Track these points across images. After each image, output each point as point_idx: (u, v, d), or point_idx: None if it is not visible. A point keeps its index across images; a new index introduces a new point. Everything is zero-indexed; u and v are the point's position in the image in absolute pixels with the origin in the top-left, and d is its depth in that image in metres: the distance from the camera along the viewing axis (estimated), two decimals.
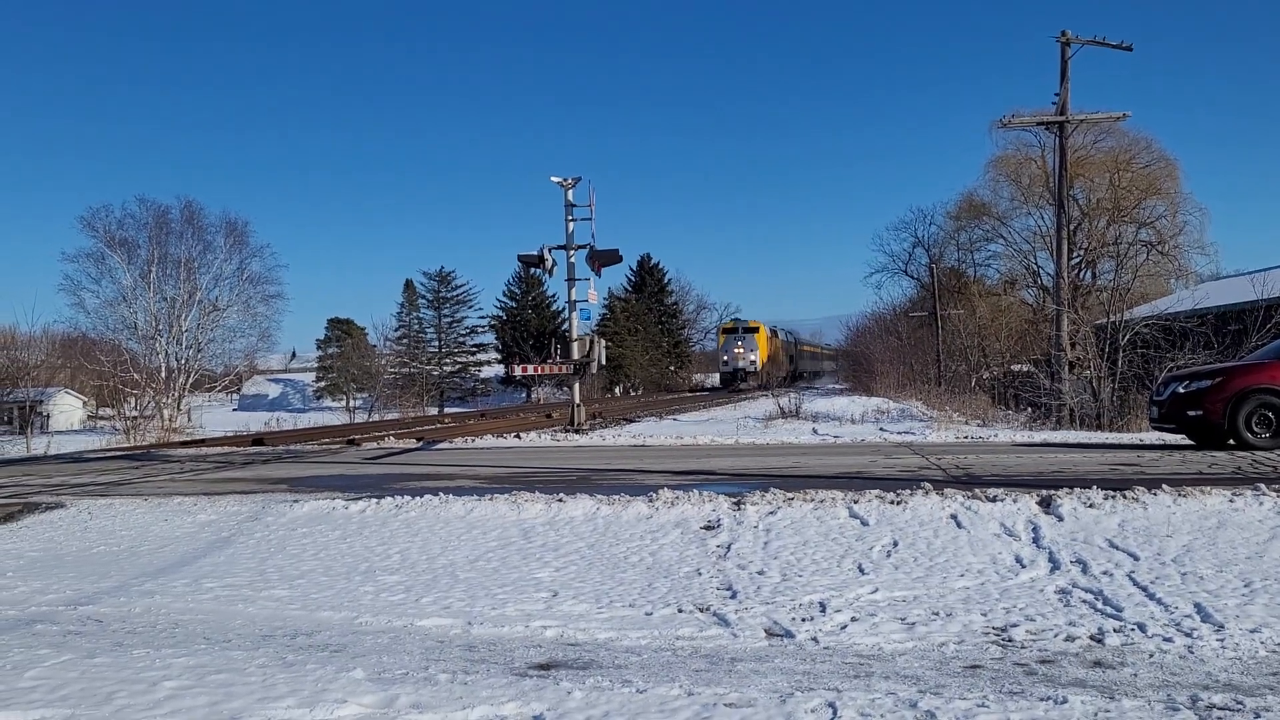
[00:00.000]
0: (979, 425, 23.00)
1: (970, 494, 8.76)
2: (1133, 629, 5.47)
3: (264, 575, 7.38)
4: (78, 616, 6.34)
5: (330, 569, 7.53)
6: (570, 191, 22.50)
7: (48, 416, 58.59)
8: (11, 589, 7.18)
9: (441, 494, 9.79)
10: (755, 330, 68.02)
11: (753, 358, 66.09)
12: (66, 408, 66.95)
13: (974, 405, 28.90)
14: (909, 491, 8.96)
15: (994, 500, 8.48)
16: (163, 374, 42.43)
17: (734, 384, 64.78)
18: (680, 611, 6.12)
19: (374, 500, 9.65)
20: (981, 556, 7.17)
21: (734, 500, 8.90)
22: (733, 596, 6.41)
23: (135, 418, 39.30)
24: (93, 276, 43.87)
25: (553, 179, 22.60)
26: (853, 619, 5.82)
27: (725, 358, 68.74)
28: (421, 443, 20.04)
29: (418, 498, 9.65)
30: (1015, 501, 8.37)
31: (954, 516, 8.13)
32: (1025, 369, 31.99)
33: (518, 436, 21.16)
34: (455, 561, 7.63)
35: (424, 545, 8.15)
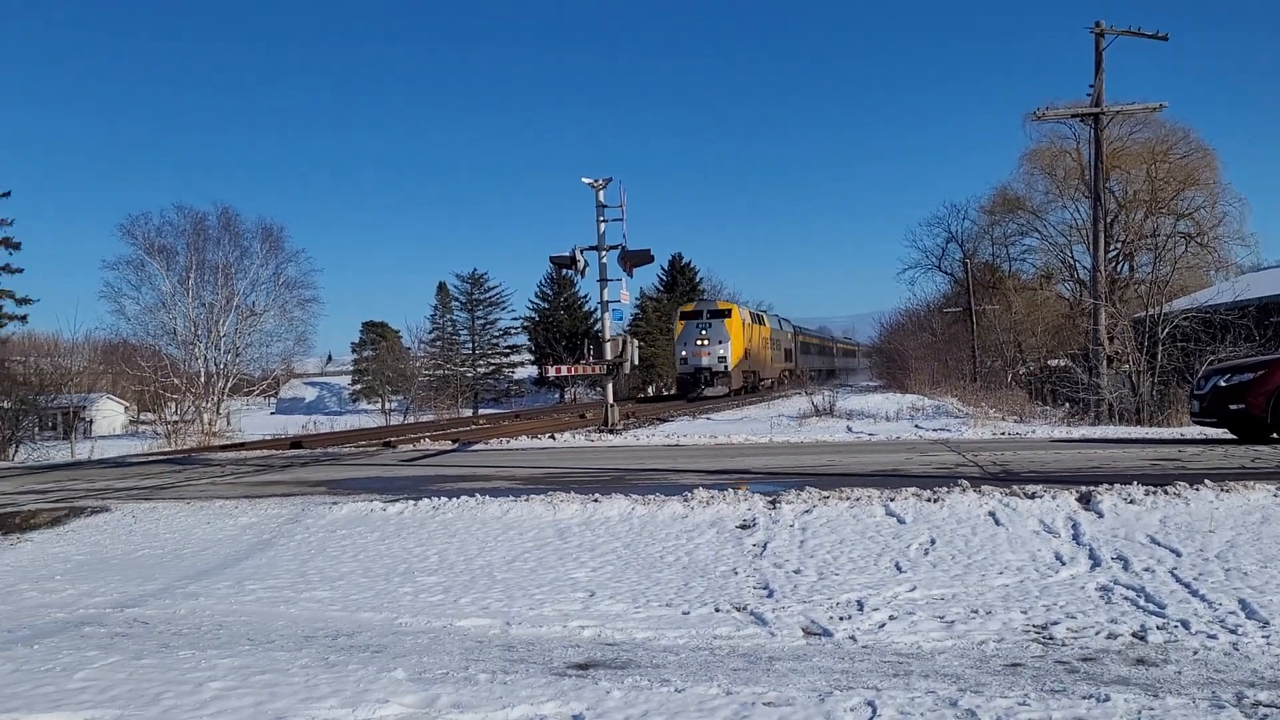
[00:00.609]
0: (1016, 421, 22.79)
1: (1008, 491, 8.69)
2: (1176, 626, 5.41)
3: (305, 577, 7.47)
4: (124, 619, 6.45)
5: (369, 570, 7.61)
6: (601, 192, 22.55)
7: (91, 422, 59.49)
8: (60, 591, 7.32)
9: (478, 495, 9.85)
10: (725, 314, 48.59)
11: (721, 353, 46.76)
12: (109, 413, 67.94)
13: (1010, 401, 28.65)
14: (946, 489, 8.91)
15: (1032, 497, 8.41)
16: (202, 379, 43.00)
17: (695, 390, 46.28)
18: (717, 611, 6.13)
19: (411, 502, 9.73)
20: (1020, 554, 7.12)
21: (769, 499, 8.89)
22: (769, 595, 6.41)
23: (176, 422, 39.85)
24: (133, 283, 44.57)
25: (584, 180, 22.66)
26: (891, 617, 5.80)
27: (683, 353, 49.00)
28: (457, 444, 20.17)
29: (455, 499, 9.72)
30: (1054, 498, 8.29)
31: (992, 514, 8.07)
32: (1062, 364, 31.66)
33: (552, 437, 21.24)
34: (493, 562, 7.68)
35: (461, 546, 8.21)
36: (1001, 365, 41.00)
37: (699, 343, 47.08)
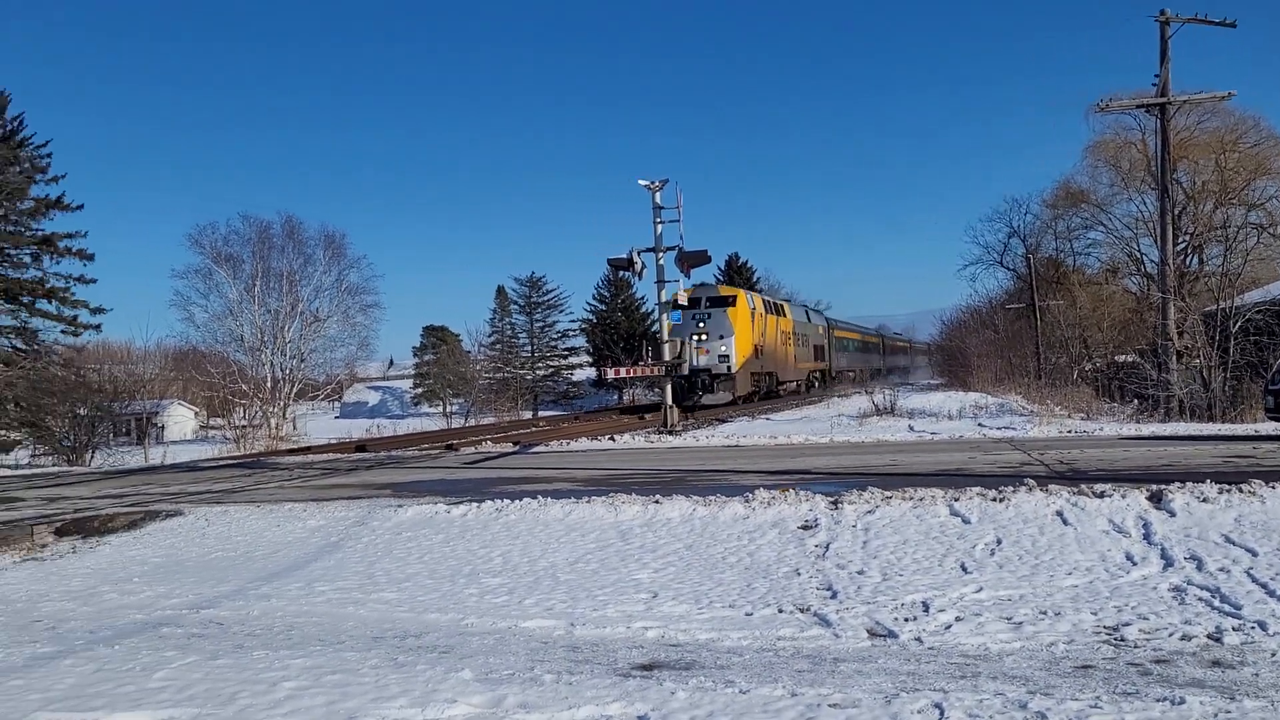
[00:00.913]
0: (1082, 419, 22.36)
1: (1076, 490, 8.55)
2: (1253, 627, 5.29)
3: (372, 578, 7.60)
4: (200, 620, 6.62)
5: (435, 572, 7.71)
6: (657, 194, 22.58)
7: (163, 427, 60.95)
8: (138, 593, 7.53)
9: (540, 497, 9.93)
10: (728, 302, 38.41)
11: (723, 350, 37.46)
12: (180, 418, 69.53)
13: (1076, 398, 28.08)
14: (1011, 488, 8.79)
15: (1101, 496, 8.26)
16: (268, 384, 43.91)
17: (691, 397, 35.58)
18: (780, 612, 6.12)
19: (475, 504, 9.84)
20: (1089, 554, 7.00)
21: (831, 499, 8.84)
22: (833, 596, 6.38)
23: (244, 427, 40.72)
24: (201, 291, 45.68)
25: (640, 182, 22.70)
26: (957, 619, 5.75)
27: (675, 351, 37.66)
28: (518, 446, 20.32)
29: (517, 501, 9.81)
30: (1124, 497, 8.14)
31: (1059, 513, 7.95)
32: (1130, 360, 30.99)
33: (612, 439, 21.31)
34: (556, 563, 7.74)
35: (525, 548, 8.29)
36: (1067, 362, 40.22)
37: (695, 338, 36.75)
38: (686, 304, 34.64)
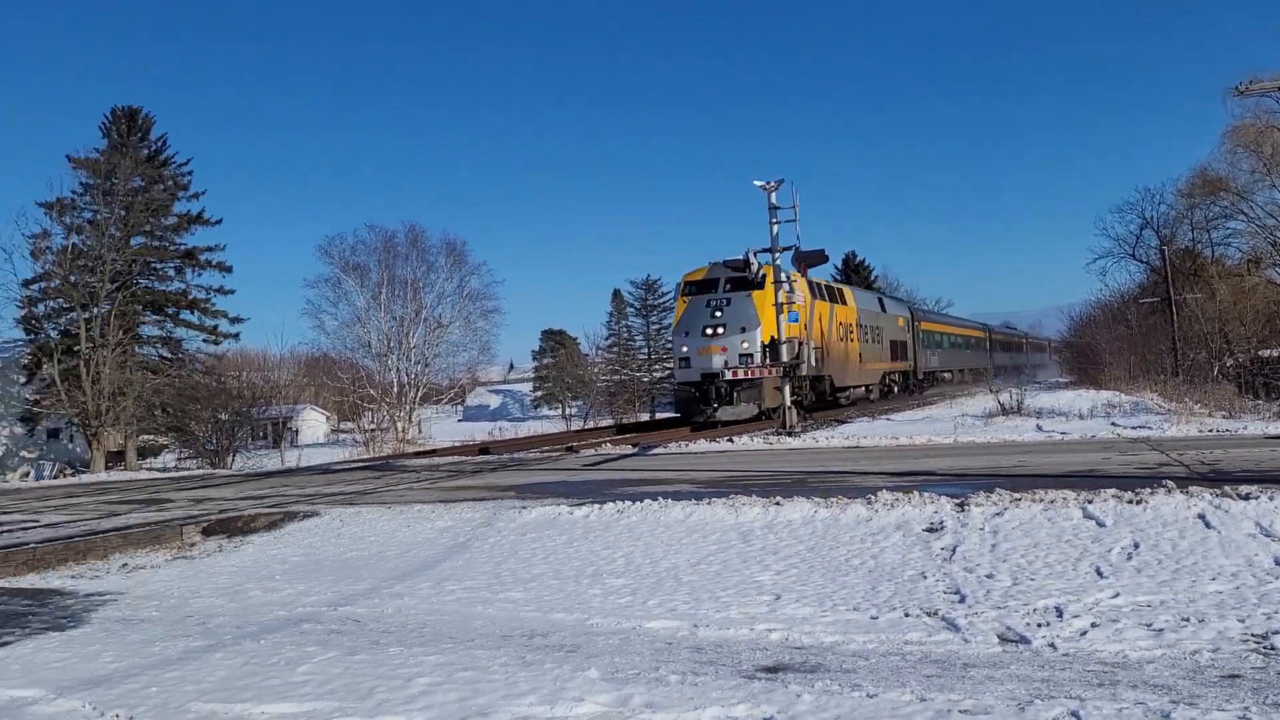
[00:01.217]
0: (1224, 417, 21.31)
1: (1219, 492, 8.17)
2: None
3: (499, 578, 7.79)
4: (338, 616, 6.89)
5: (559, 572, 7.85)
6: (773, 194, 22.44)
7: (296, 431, 63.53)
8: (280, 591, 7.89)
9: (660, 499, 10.00)
10: (754, 283, 27.66)
11: (745, 347, 27.68)
12: (312, 423, 72.41)
13: (1217, 396, 26.77)
14: (1149, 490, 8.45)
15: (1247, 498, 7.88)
16: (395, 389, 45.28)
17: (701, 410, 27.63)
18: (907, 615, 6.03)
19: (596, 506, 9.97)
20: (1235, 558, 6.69)
21: (957, 501, 8.66)
22: (961, 600, 6.26)
23: (372, 430, 42.13)
24: (330, 300, 47.50)
25: (755, 183, 22.60)
26: (1093, 624, 5.57)
27: (683, 350, 29.13)
28: (636, 448, 20.48)
29: (638, 503, 9.90)
30: (1272, 499, 7.75)
31: (1201, 516, 7.62)
32: (1276, 355, 29.38)
33: (730, 440, 21.27)
34: (677, 565, 7.79)
35: (646, 549, 8.37)
36: (1206, 357, 38.35)
37: (708, 331, 27.78)
38: (698, 286, 29.20)
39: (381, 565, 8.66)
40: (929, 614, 6.03)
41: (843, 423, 25.97)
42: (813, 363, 29.47)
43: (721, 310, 28.10)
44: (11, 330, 38.42)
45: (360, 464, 22.89)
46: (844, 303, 35.23)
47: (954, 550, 7.45)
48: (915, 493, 9.11)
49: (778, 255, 22.85)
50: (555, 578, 7.69)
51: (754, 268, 24.50)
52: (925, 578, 6.88)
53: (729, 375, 26.48)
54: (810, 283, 31.04)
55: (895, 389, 40.99)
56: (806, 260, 22.71)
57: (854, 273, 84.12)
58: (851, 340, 35.22)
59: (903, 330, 43.43)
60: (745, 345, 27.21)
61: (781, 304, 23.28)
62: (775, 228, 22.65)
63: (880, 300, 42.55)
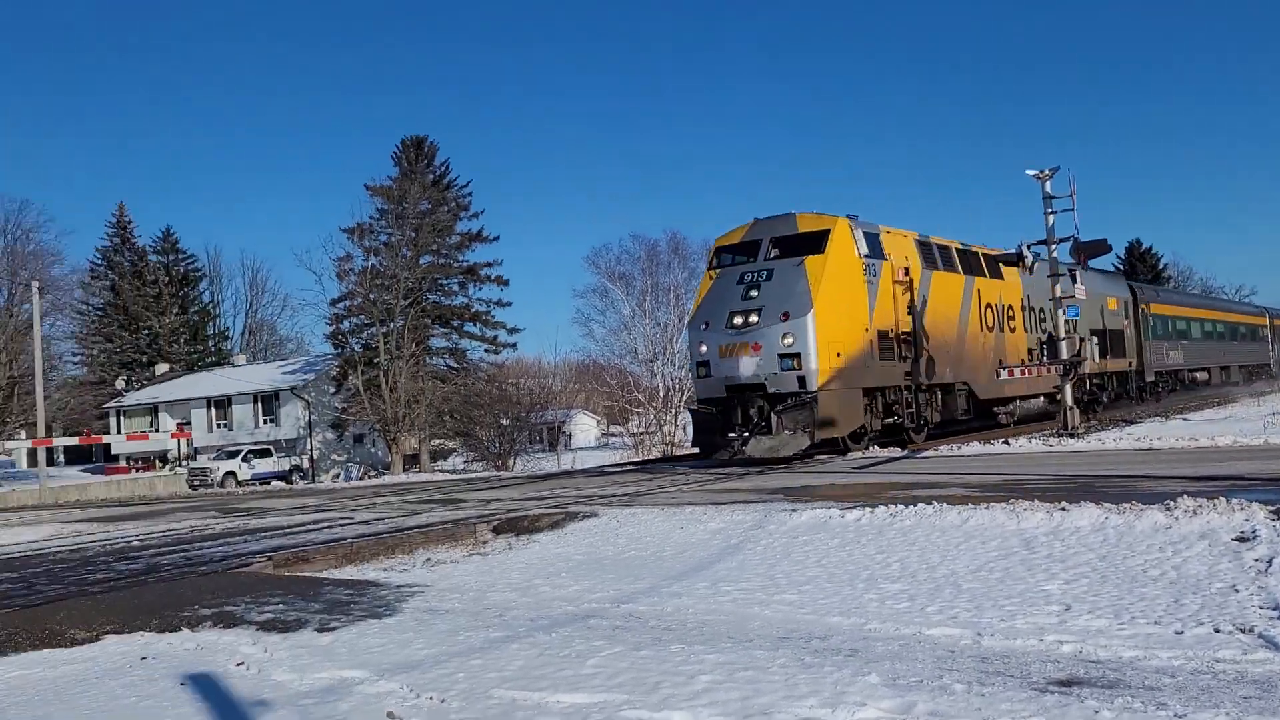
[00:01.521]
0: None
1: None
2: None
3: (773, 580, 7.87)
4: (621, 613, 7.21)
5: (833, 576, 7.84)
6: (1047, 183, 21.33)
7: (569, 435, 66.56)
8: (566, 587, 8.34)
9: (934, 503, 9.74)
10: (811, 244, 19.00)
11: (787, 344, 18.09)
12: (584, 426, 75.66)
13: None
14: None
15: None
16: (661, 393, 46.52)
17: (722, 442, 19.39)
18: (1217, 631, 5.58)
19: (867, 509, 9.86)
20: None
21: (1272, 509, 7.91)
22: None
23: (640, 433, 43.51)
24: (598, 309, 49.70)
25: (1028, 172, 21.58)
26: None
27: (702, 350, 19.43)
28: (905, 450, 19.99)
29: (910, 506, 9.70)
30: None
31: None
32: None
33: (1006, 442, 20.33)
34: (956, 571, 7.59)
35: (922, 554, 8.19)
36: None
37: (736, 321, 18.99)
38: (731, 253, 20.52)
39: (659, 565, 8.97)
40: (1243, 630, 5.55)
41: (1131, 423, 24.23)
42: (926, 369, 20.97)
43: (757, 289, 19.07)
44: (322, 345, 42.78)
45: (630, 466, 23.65)
46: (988, 275, 24.25)
47: (1270, 562, 6.81)
48: (1221, 499, 8.39)
49: (1053, 247, 21.66)
50: (829, 581, 7.69)
51: (1027, 260, 22.46)
52: (1237, 591, 6.34)
53: (766, 383, 18.54)
54: (919, 241, 21.97)
55: (1102, 398, 29.02)
56: (1086, 251, 21.38)
57: (1139, 261, 78.19)
58: (1003, 330, 24.69)
59: (1118, 315, 31.02)
60: (789, 341, 18.28)
61: (1060, 299, 21.99)
62: (1051, 218, 21.49)
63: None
